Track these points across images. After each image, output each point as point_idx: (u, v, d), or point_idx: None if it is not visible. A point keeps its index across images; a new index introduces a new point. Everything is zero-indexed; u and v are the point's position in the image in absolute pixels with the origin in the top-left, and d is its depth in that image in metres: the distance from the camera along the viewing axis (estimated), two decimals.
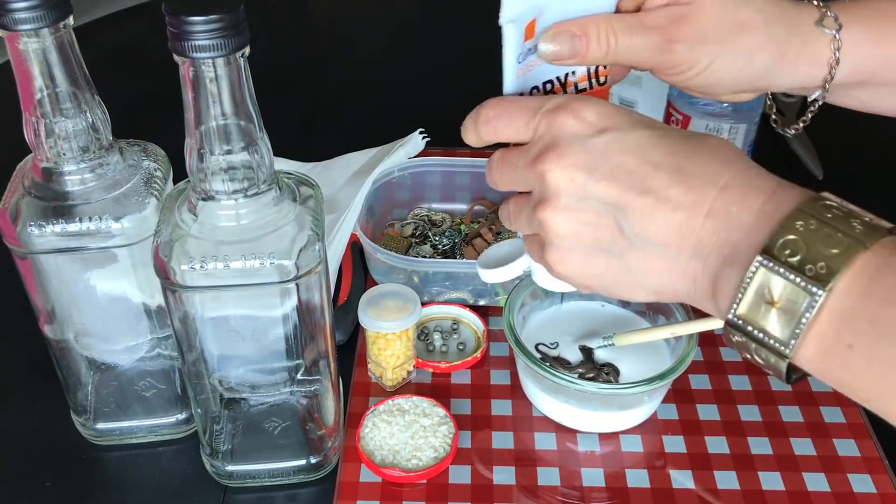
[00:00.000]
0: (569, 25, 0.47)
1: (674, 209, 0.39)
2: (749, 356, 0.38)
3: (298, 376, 0.61)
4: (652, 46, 0.47)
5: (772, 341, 0.37)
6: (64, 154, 0.55)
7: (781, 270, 0.36)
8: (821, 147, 0.96)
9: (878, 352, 0.35)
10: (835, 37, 0.48)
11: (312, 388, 0.61)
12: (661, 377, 0.61)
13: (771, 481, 0.62)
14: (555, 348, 0.68)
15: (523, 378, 0.67)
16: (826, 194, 0.38)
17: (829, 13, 0.48)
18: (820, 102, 0.51)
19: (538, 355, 0.66)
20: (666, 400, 0.67)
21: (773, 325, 0.36)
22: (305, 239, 0.53)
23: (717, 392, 0.69)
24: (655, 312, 0.68)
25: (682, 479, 0.62)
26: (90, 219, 0.56)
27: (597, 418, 0.64)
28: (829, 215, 0.37)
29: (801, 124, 0.54)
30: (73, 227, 0.56)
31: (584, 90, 0.50)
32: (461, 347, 0.73)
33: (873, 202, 0.98)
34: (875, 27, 0.49)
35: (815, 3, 0.50)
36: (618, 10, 0.49)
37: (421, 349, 0.73)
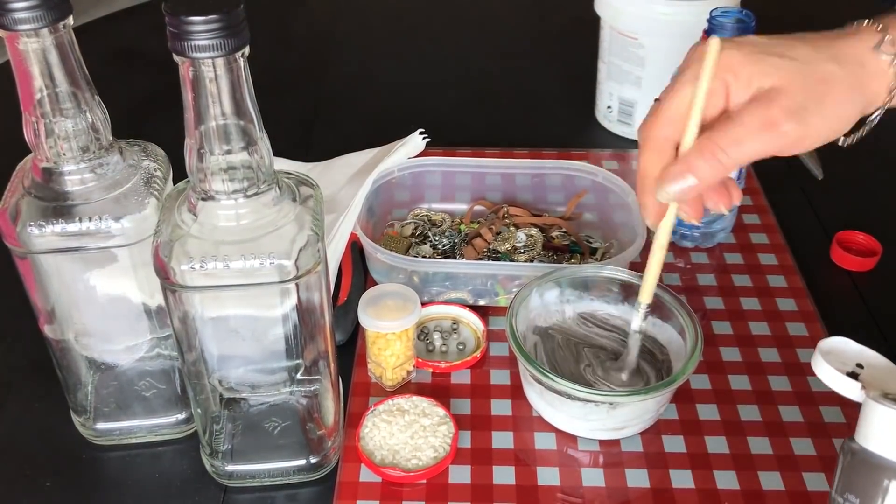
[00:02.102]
0: (675, 166, 0.49)
1: None
2: None
3: (298, 376, 0.61)
4: (762, 140, 0.48)
5: None
6: (64, 154, 0.55)
7: None
8: (821, 147, 0.95)
9: None
10: (893, 61, 0.49)
11: (312, 388, 0.61)
12: (666, 384, 0.61)
13: (771, 481, 0.62)
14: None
15: (525, 385, 0.67)
16: None
17: (886, 37, 0.49)
18: (876, 120, 0.52)
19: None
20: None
21: None
22: (305, 239, 0.53)
23: (717, 392, 0.69)
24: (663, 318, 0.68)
25: (682, 479, 0.62)
26: (90, 219, 0.56)
27: (598, 425, 0.64)
28: None
29: (855, 139, 0.54)
30: (73, 227, 0.56)
31: None
32: (461, 347, 0.73)
33: (873, 202, 0.98)
34: None
35: (874, 25, 0.50)
36: (704, 123, 0.50)
37: (421, 349, 0.73)
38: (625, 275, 0.69)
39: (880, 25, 0.50)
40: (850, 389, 0.42)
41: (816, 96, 0.48)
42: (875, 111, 0.51)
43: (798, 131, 0.48)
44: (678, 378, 0.61)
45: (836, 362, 0.47)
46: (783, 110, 0.48)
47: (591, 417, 0.63)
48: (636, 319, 0.62)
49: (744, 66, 0.49)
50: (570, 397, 0.62)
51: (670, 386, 0.61)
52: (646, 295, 0.61)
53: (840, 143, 0.53)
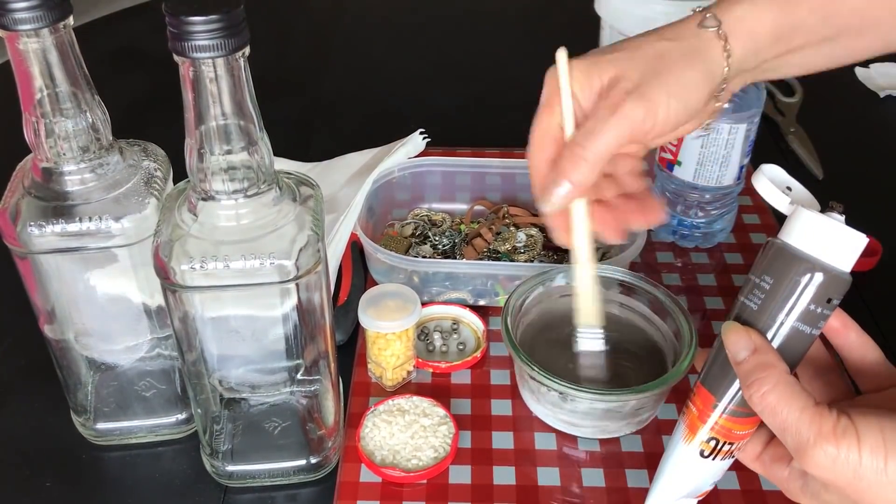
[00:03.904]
0: (548, 177, 0.52)
1: None
2: None
3: (298, 376, 0.61)
4: (612, 125, 0.50)
5: None
6: (64, 154, 0.55)
7: None
8: (821, 147, 0.96)
9: None
10: (718, 31, 0.52)
11: (312, 388, 0.61)
12: (662, 382, 0.61)
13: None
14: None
15: (521, 386, 0.67)
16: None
17: (707, 14, 0.52)
18: (725, 93, 0.54)
19: None
20: (666, 400, 0.67)
21: None
22: (305, 239, 0.53)
23: None
24: (661, 316, 0.68)
25: None
26: (90, 219, 0.56)
27: (595, 424, 0.64)
28: None
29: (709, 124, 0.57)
30: (73, 227, 0.56)
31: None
32: (461, 347, 0.73)
33: (873, 202, 0.98)
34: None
35: (695, 9, 0.53)
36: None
37: (421, 349, 0.73)
38: (620, 274, 0.69)
39: (701, 7, 0.53)
40: (780, 202, 0.48)
41: (653, 71, 0.50)
42: (722, 82, 0.53)
43: (641, 107, 0.50)
44: (643, 390, 0.61)
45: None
46: (622, 92, 0.50)
47: (586, 415, 0.63)
48: (582, 343, 0.61)
49: (582, 73, 0.52)
50: (564, 396, 0.62)
51: (668, 382, 0.61)
52: (585, 317, 0.59)
53: (701, 131, 0.56)
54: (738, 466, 0.63)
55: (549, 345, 0.67)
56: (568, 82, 0.52)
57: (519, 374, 0.67)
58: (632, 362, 0.67)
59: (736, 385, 0.47)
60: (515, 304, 0.67)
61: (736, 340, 0.45)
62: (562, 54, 0.52)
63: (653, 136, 0.51)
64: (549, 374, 0.61)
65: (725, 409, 0.47)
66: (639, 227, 0.55)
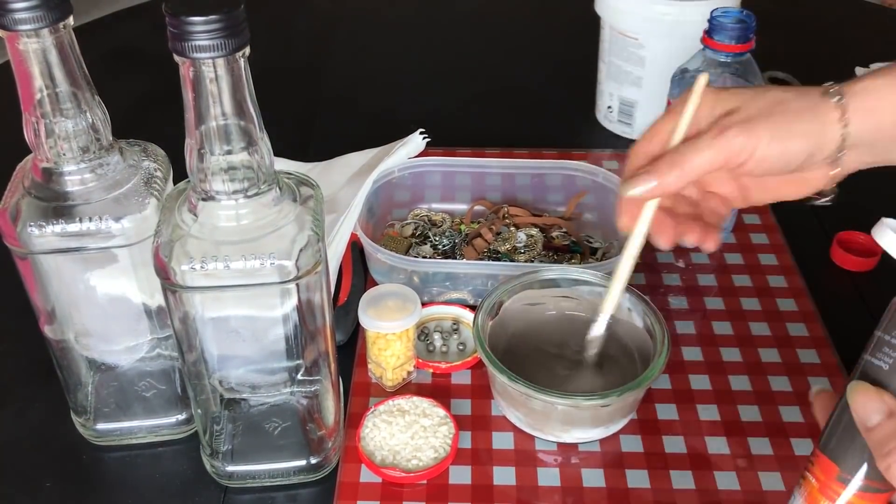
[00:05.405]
0: (642, 170, 0.54)
1: None
2: None
3: (298, 376, 0.61)
4: (714, 145, 0.52)
5: None
6: (64, 154, 0.55)
7: None
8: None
9: None
10: (838, 101, 0.53)
11: (312, 389, 0.61)
12: (632, 386, 0.61)
13: (771, 481, 0.62)
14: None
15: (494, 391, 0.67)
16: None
17: (833, 85, 0.54)
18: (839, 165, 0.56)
19: None
20: (666, 400, 0.67)
21: None
22: (305, 239, 0.53)
23: (718, 392, 0.68)
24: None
25: (682, 479, 0.62)
26: (90, 219, 0.56)
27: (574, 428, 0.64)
28: None
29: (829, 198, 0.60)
30: (73, 227, 0.56)
31: None
32: (461, 348, 0.73)
33: (873, 202, 0.98)
34: None
35: (825, 85, 0.54)
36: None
37: (421, 349, 0.73)
38: (590, 276, 0.69)
39: (834, 86, 0.54)
40: None
41: (767, 111, 0.53)
42: (834, 153, 0.54)
43: (742, 138, 0.52)
44: (648, 379, 0.61)
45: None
46: (734, 121, 0.53)
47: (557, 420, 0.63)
48: (595, 327, 0.62)
49: (708, 95, 0.55)
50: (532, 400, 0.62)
51: (633, 389, 0.61)
52: (609, 304, 0.61)
53: (814, 202, 0.59)
54: (738, 467, 0.63)
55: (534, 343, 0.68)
56: (696, 102, 0.55)
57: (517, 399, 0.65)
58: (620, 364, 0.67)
59: (866, 454, 0.43)
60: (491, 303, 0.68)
61: (866, 403, 0.42)
62: (703, 79, 0.55)
63: (747, 170, 0.53)
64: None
65: (856, 484, 0.43)
66: (690, 244, 0.57)
